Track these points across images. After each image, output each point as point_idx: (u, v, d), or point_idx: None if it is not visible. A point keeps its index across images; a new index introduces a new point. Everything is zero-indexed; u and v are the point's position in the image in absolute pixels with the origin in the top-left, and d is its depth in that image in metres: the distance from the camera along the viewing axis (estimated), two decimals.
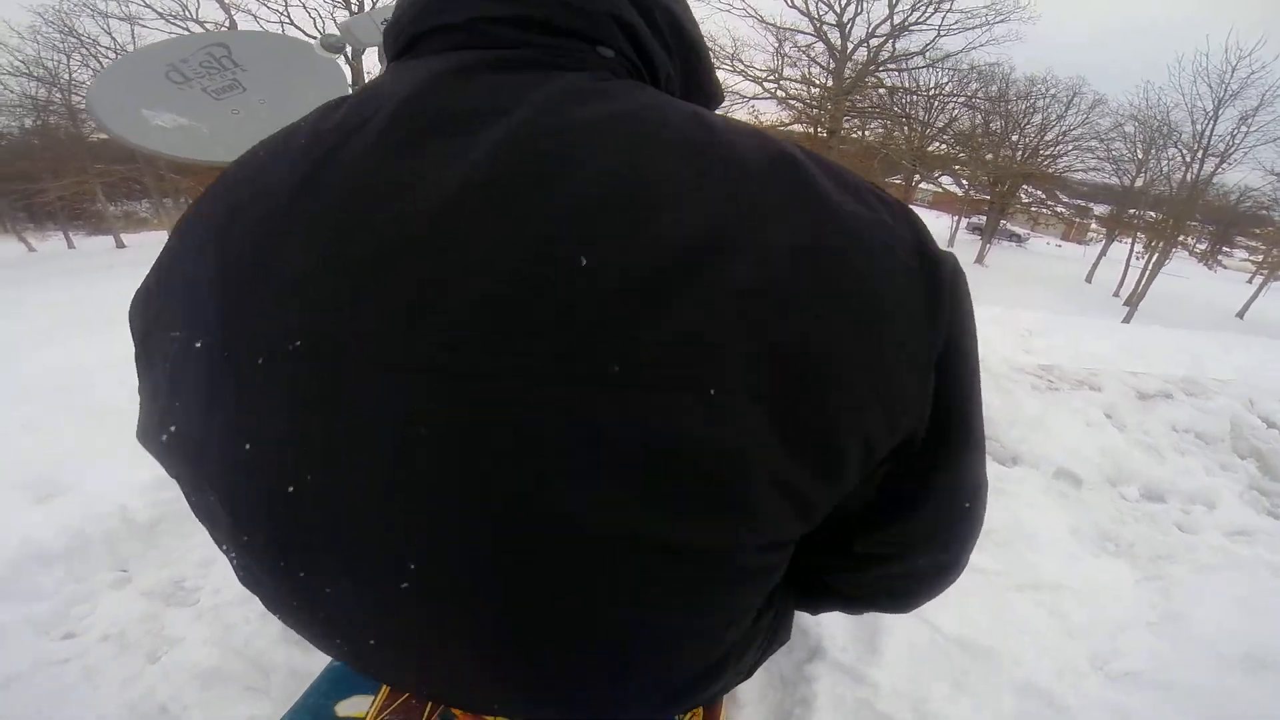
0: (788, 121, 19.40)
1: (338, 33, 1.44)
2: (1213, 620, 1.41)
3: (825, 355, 0.33)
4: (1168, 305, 18.65)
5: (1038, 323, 3.80)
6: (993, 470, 1.91)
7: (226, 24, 14.25)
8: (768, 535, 0.36)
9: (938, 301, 0.36)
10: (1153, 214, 22.61)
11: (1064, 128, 25.30)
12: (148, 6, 13.49)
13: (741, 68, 17.33)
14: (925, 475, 0.41)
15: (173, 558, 1.55)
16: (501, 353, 0.31)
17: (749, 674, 0.56)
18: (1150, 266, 19.40)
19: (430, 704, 0.62)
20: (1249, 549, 1.62)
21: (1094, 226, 43.42)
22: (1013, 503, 1.68)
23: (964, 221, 38.15)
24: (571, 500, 0.32)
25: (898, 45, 16.53)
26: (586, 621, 0.36)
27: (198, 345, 0.35)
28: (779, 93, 17.99)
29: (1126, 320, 17.44)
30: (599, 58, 0.41)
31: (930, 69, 17.84)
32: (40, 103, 17.89)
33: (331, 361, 0.33)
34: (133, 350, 0.43)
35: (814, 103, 17.75)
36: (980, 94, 18.39)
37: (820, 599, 0.57)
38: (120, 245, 19.94)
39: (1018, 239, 35.27)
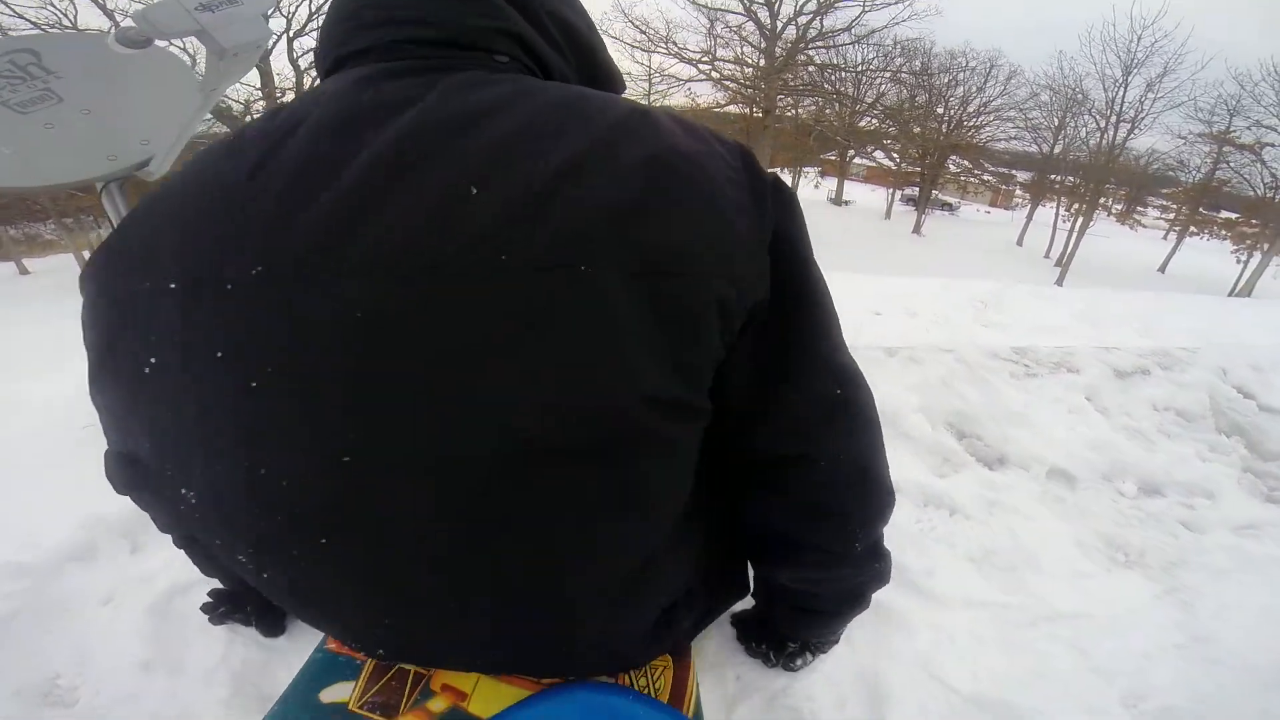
0: (724, 103, 19.31)
1: (134, 24, 1.12)
2: (1241, 635, 1.26)
3: (676, 240, 0.42)
4: (1095, 265, 19.41)
5: (990, 294, 3.69)
6: (981, 475, 1.75)
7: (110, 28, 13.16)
8: (648, 389, 0.42)
9: (762, 198, 0.48)
10: (1073, 179, 23.50)
11: (984, 99, 26.12)
12: (19, 17, 12.27)
13: (675, 50, 17.10)
14: (783, 350, 0.51)
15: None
16: (413, 262, 0.40)
17: (704, 620, 0.66)
18: (1076, 229, 20.09)
19: (410, 682, 0.63)
20: (1259, 545, 1.48)
21: (1018, 193, 45.21)
22: (1009, 517, 1.50)
23: (898, 194, 39.16)
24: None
25: (825, 22, 16.55)
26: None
27: (171, 286, 0.43)
28: (713, 74, 17.86)
29: (1059, 282, 18.08)
30: (495, 63, 0.51)
31: (856, 45, 18.01)
32: None
33: (284, 283, 0.41)
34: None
35: (748, 82, 17.66)
36: (905, 69, 18.56)
37: (762, 544, 0.65)
38: (24, 271, 18.48)
39: (949, 208, 36.27)
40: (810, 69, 18.16)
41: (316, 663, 0.69)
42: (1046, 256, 22.89)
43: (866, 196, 37.42)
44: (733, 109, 21.98)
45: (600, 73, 0.62)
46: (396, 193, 0.41)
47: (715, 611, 0.69)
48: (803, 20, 16.69)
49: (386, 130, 0.43)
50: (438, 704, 0.62)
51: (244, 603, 0.92)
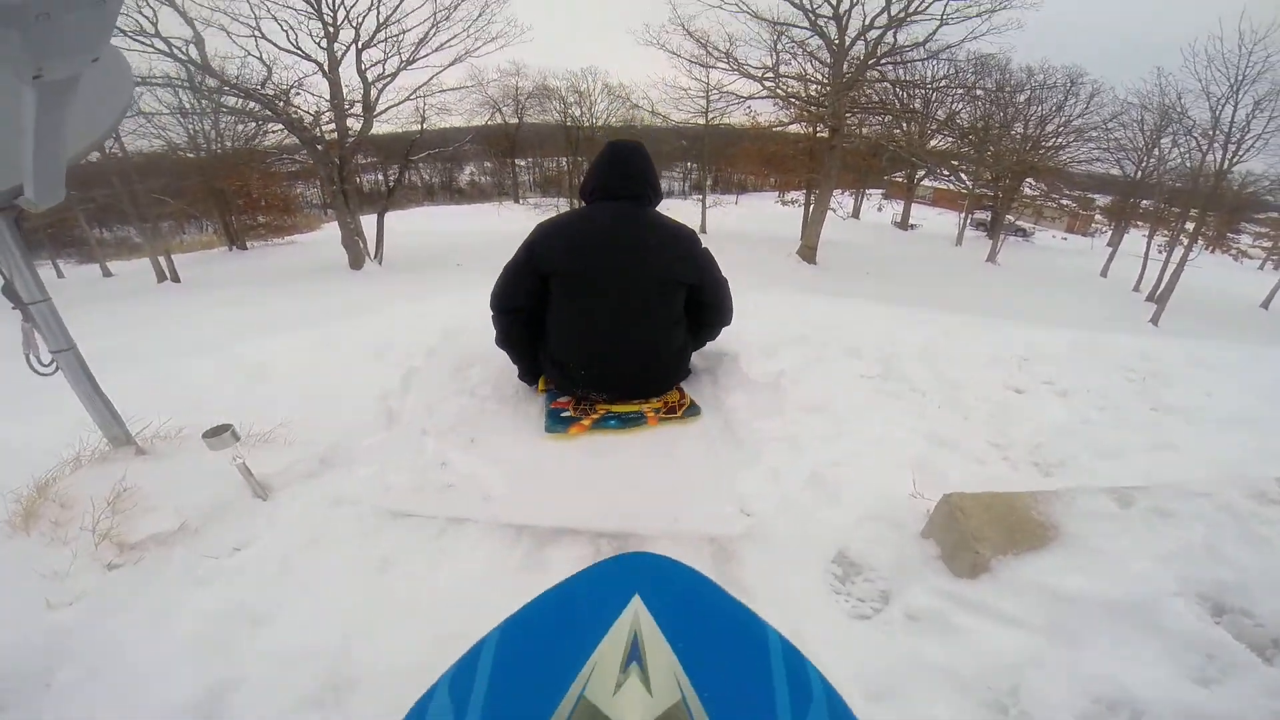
0: (786, 121, 18.51)
1: None
2: None
3: (682, 274, 2.16)
4: (1190, 300, 17.55)
5: (1151, 358, 2.87)
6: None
7: (191, 38, 13.37)
8: (682, 294, 2.20)
9: (703, 254, 2.23)
10: (1166, 206, 21.61)
11: (1064, 118, 24.46)
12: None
13: (737, 65, 16.41)
14: (706, 297, 2.28)
15: None
16: (633, 268, 2.09)
17: (687, 374, 2.41)
18: (1173, 261, 18.28)
19: (589, 409, 2.19)
20: None
21: (1098, 218, 42.40)
22: None
23: (969, 219, 37.35)
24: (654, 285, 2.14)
25: (897, 37, 15.55)
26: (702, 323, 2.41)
27: (575, 272, 2.08)
28: (778, 90, 17.10)
29: (1155, 320, 16.45)
30: (642, 199, 2.17)
31: (928, 61, 16.95)
32: None
33: (607, 277, 2.07)
34: None
35: (813, 100, 16.81)
36: (980, 85, 17.29)
37: (697, 329, 2.37)
38: (107, 274, 19.12)
39: (1024, 234, 34.12)
40: (881, 85, 17.17)
41: (553, 414, 2.15)
42: (1135, 290, 21.00)
43: (934, 220, 35.71)
44: (795, 128, 21.13)
45: (659, 195, 2.23)
46: (621, 233, 2.08)
47: (687, 369, 2.41)
48: (872, 35, 15.72)
49: (619, 219, 2.10)
50: (600, 410, 2.15)
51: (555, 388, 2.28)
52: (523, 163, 46.80)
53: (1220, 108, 16.48)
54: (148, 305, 10.74)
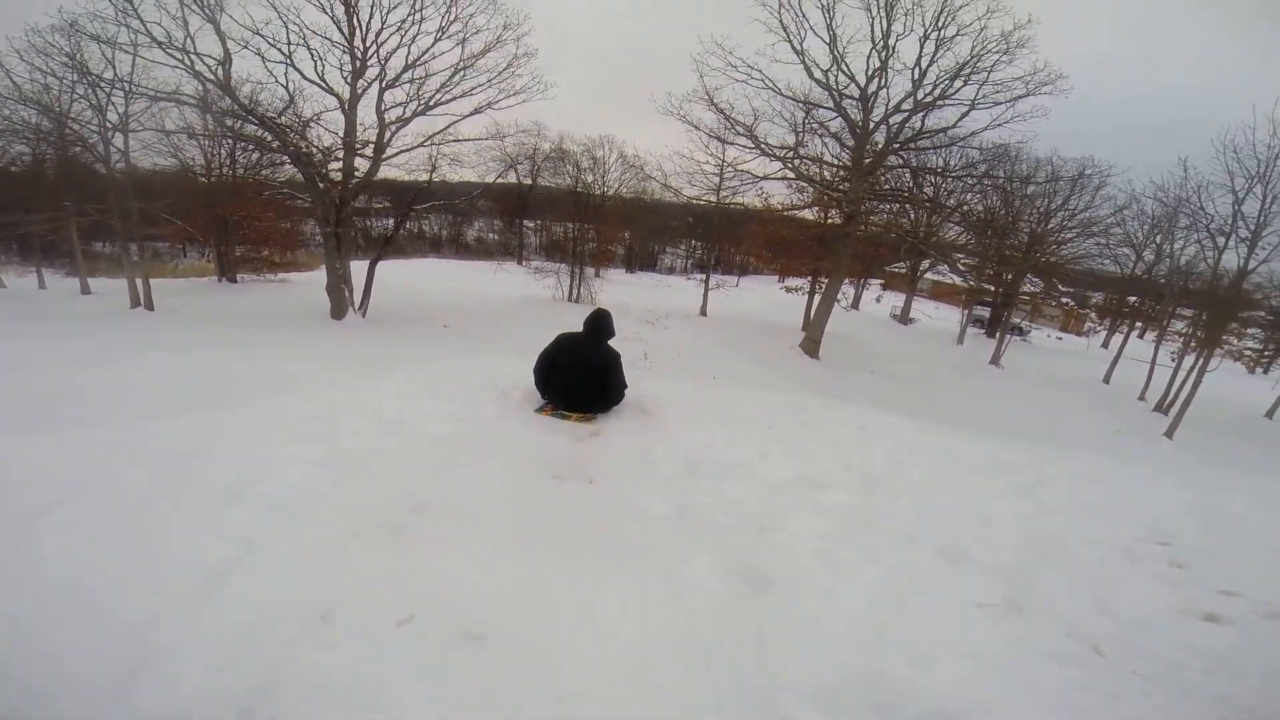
0: (800, 205, 18.12)
1: None
2: None
3: (602, 365, 4.81)
4: (1196, 408, 16.61)
5: None
6: None
7: (221, 58, 12.87)
8: (603, 377, 4.87)
9: (616, 363, 4.92)
10: (1173, 309, 21.12)
11: (1070, 210, 24.29)
12: (144, 33, 12.05)
13: (757, 143, 16.06)
14: (612, 380, 4.84)
15: None
16: (584, 362, 4.76)
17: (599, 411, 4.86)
18: (1187, 368, 17.48)
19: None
20: None
21: (1092, 318, 42.25)
22: None
23: (967, 315, 36.99)
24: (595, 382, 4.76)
25: (925, 122, 15.28)
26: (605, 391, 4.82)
27: (560, 363, 4.79)
28: (801, 169, 16.73)
29: (1169, 434, 15.59)
30: (597, 335, 5.00)
31: (938, 151, 16.67)
32: (43, 132, 16.48)
33: (570, 364, 4.74)
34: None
35: (830, 185, 16.43)
36: (997, 173, 16.89)
37: (607, 398, 4.89)
38: (85, 291, 18.10)
39: (1021, 333, 33.72)
40: (899, 171, 16.83)
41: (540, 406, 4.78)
42: (1141, 399, 20.27)
43: (931, 312, 35.46)
44: (808, 213, 20.80)
45: (610, 334, 5.08)
46: (580, 356, 4.76)
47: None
48: (895, 119, 15.45)
49: (585, 342, 4.91)
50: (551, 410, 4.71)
51: (544, 399, 4.81)
52: (531, 224, 46.94)
53: (1242, 199, 15.62)
54: (88, 336, 9.55)
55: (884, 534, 2.92)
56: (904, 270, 35.30)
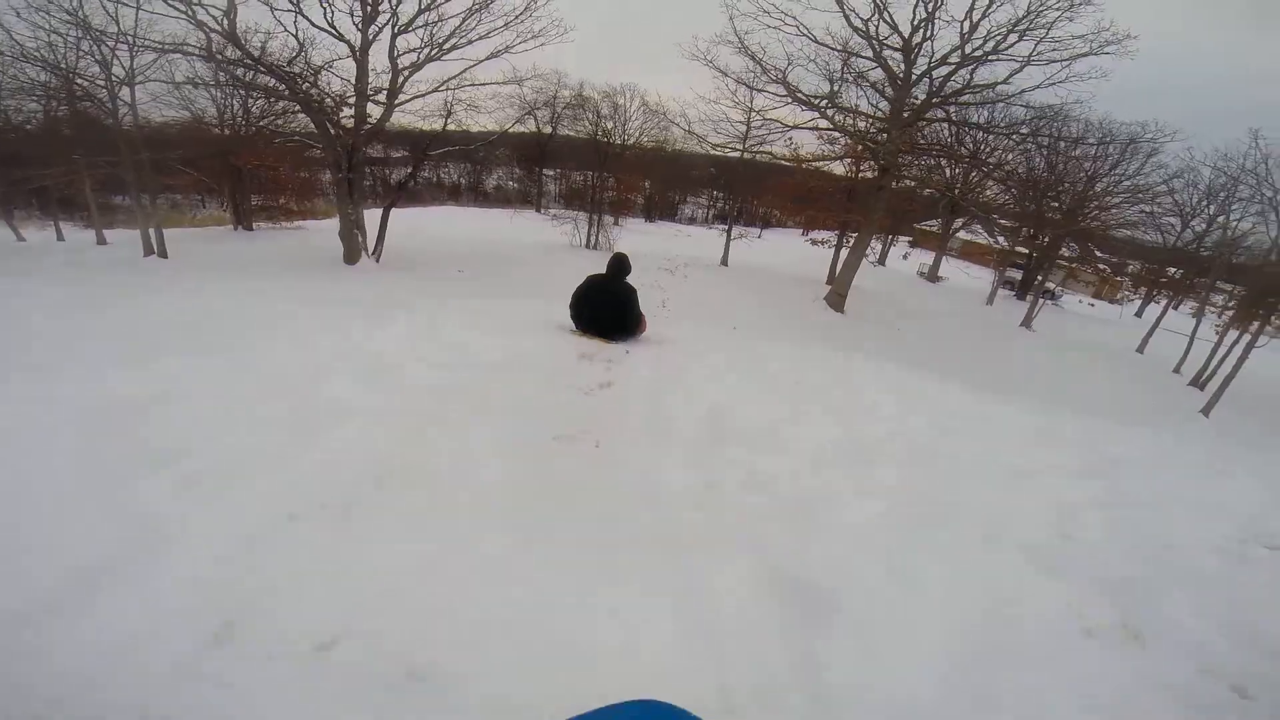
0: (834, 155, 17.04)
1: None
2: None
3: (624, 297, 5.78)
4: (1235, 386, 15.70)
5: None
6: None
7: (225, 7, 12.09)
8: (624, 306, 5.78)
9: (633, 296, 5.84)
10: (1227, 284, 19.98)
11: (1118, 175, 22.92)
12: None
13: (790, 90, 14.96)
14: (631, 312, 5.77)
15: None
16: (608, 294, 5.79)
17: (628, 335, 5.89)
18: (1227, 342, 16.53)
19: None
20: None
21: (1128, 286, 40.52)
22: None
23: (997, 276, 35.72)
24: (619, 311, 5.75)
25: (973, 76, 14.05)
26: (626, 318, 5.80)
27: (590, 299, 5.74)
28: (825, 121, 15.66)
29: (1206, 412, 14.76)
30: (617, 276, 5.93)
31: (990, 105, 15.41)
32: (52, 89, 16.12)
33: (598, 299, 5.73)
34: None
35: (866, 135, 15.35)
36: (1043, 133, 15.57)
37: (628, 325, 5.82)
38: (101, 242, 17.93)
39: (1052, 296, 32.43)
40: (940, 125, 15.67)
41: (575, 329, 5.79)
42: (1176, 372, 19.30)
43: (959, 275, 34.08)
44: (838, 166, 19.71)
45: (627, 272, 5.99)
46: (605, 292, 5.76)
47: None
48: (942, 72, 14.25)
49: (606, 283, 5.84)
50: (585, 334, 5.68)
51: (579, 325, 5.77)
52: (550, 173, 45.81)
53: None
54: (87, 283, 9.05)
55: (955, 527, 2.40)
56: (934, 228, 33.88)
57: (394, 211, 15.85)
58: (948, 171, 23.08)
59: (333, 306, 6.92)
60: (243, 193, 21.38)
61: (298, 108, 15.57)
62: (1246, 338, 15.30)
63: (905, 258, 39.46)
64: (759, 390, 4.28)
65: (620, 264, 5.97)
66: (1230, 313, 19.53)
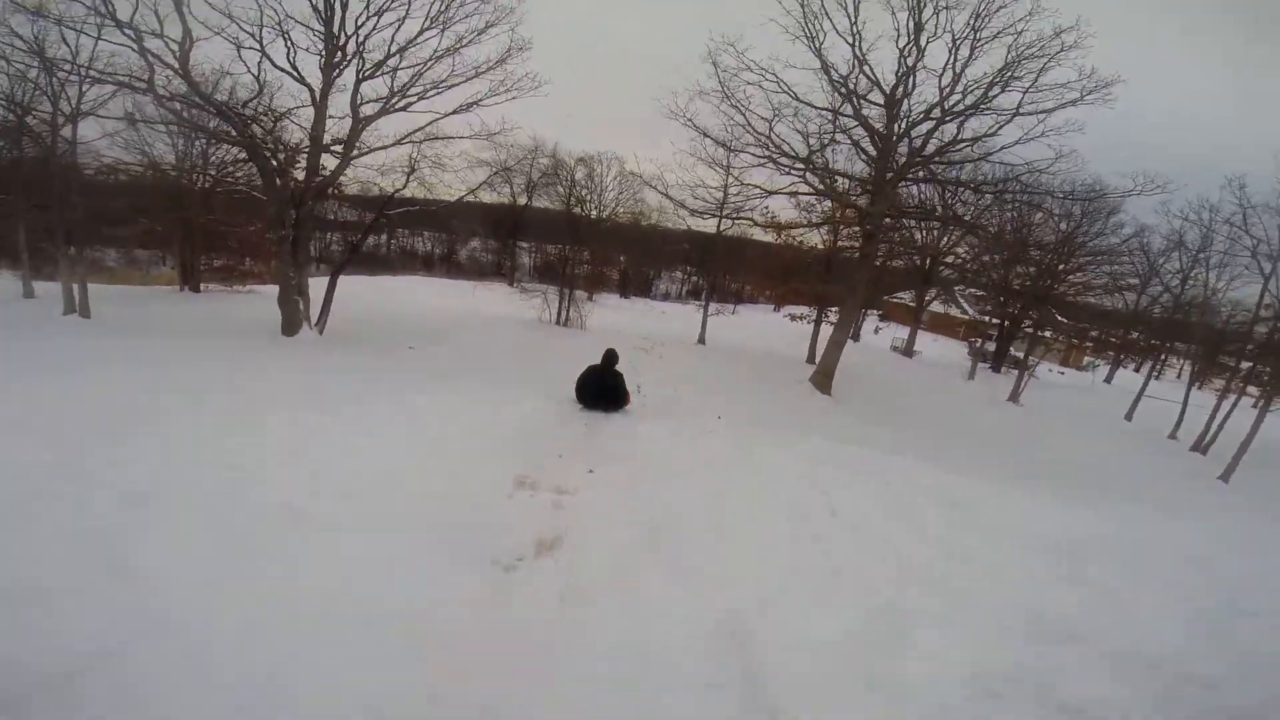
0: (814, 223, 16.25)
1: None
2: None
3: (616, 384, 7.79)
4: (1234, 446, 14.67)
5: None
6: None
7: (180, 38, 10.88)
8: (614, 388, 7.78)
9: (622, 384, 7.81)
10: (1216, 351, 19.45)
11: (1083, 238, 22.87)
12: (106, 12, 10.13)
13: (772, 149, 14.17)
14: (619, 391, 7.74)
15: None
16: (603, 383, 7.73)
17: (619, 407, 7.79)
18: (1224, 408, 15.64)
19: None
20: None
21: (1089, 351, 40.53)
22: None
23: (967, 349, 35.32)
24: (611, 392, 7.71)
25: (961, 129, 13.46)
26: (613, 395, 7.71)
27: (587, 384, 7.68)
28: (805, 185, 14.90)
29: (1225, 478, 13.68)
30: (610, 364, 7.92)
31: (961, 165, 14.77)
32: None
33: (596, 384, 7.66)
34: None
35: (846, 197, 14.60)
36: (1033, 189, 14.77)
37: (618, 402, 7.76)
38: (30, 295, 16.01)
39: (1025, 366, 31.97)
40: (922, 186, 15.00)
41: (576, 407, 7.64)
42: (1172, 438, 18.38)
43: (930, 347, 33.54)
44: (815, 238, 19.03)
45: (616, 361, 7.94)
46: (602, 378, 7.71)
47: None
48: (924, 128, 13.66)
49: (602, 369, 7.79)
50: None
51: (583, 403, 7.62)
52: (525, 245, 45.26)
53: None
54: None
55: None
56: (905, 301, 33.60)
57: (355, 279, 14.34)
58: (919, 236, 22.76)
59: (227, 396, 5.52)
60: (192, 250, 19.73)
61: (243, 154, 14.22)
62: (1244, 399, 14.34)
63: (876, 332, 39.07)
64: (783, 544, 3.29)
65: (611, 357, 7.95)
66: (1219, 378, 18.89)
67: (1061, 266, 23.37)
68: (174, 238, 19.89)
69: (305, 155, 12.91)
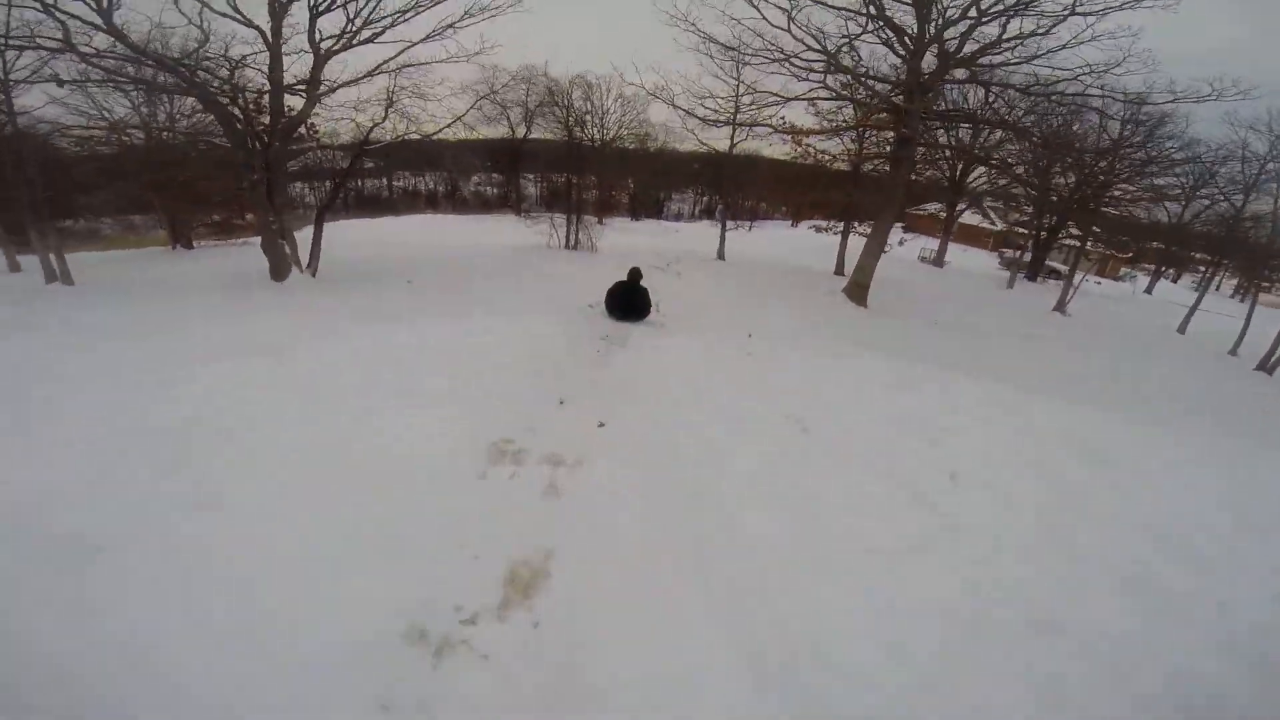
0: (842, 126, 14.39)
1: None
2: None
3: (645, 295, 8.43)
4: None
5: None
6: None
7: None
8: (642, 297, 8.48)
9: (648, 296, 8.51)
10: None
11: (1136, 149, 20.48)
12: None
13: (786, 56, 12.30)
14: (646, 302, 8.38)
15: None
16: (632, 293, 8.36)
17: (643, 315, 8.46)
18: None
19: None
20: None
21: (1128, 262, 38.35)
22: None
23: (999, 258, 33.44)
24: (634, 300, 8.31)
25: (986, 34, 11.50)
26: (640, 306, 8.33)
27: (616, 296, 8.34)
28: (823, 92, 13.06)
29: None
30: (636, 280, 8.79)
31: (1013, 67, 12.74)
32: None
33: (624, 297, 8.35)
34: None
35: (883, 99, 12.70)
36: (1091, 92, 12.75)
37: (643, 311, 8.40)
38: (15, 269, 15.30)
39: (1058, 275, 30.03)
40: (961, 88, 13.04)
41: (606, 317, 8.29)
42: (1233, 354, 16.86)
43: (959, 257, 31.49)
44: (837, 146, 17.16)
45: (640, 277, 8.64)
46: (629, 289, 8.47)
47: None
48: (961, 28, 11.67)
49: (629, 283, 8.48)
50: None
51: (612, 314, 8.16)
52: (529, 176, 43.10)
53: None
54: None
55: None
56: (929, 212, 31.58)
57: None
58: (950, 142, 20.66)
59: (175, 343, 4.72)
60: (178, 209, 18.63)
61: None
62: None
63: (902, 243, 36.83)
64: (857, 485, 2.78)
65: (637, 272, 8.52)
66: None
67: (1107, 176, 21.05)
68: (154, 200, 18.79)
69: (266, 92, 11.50)
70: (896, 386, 4.97)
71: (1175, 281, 40.07)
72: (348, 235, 21.18)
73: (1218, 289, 35.58)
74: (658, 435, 3.70)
